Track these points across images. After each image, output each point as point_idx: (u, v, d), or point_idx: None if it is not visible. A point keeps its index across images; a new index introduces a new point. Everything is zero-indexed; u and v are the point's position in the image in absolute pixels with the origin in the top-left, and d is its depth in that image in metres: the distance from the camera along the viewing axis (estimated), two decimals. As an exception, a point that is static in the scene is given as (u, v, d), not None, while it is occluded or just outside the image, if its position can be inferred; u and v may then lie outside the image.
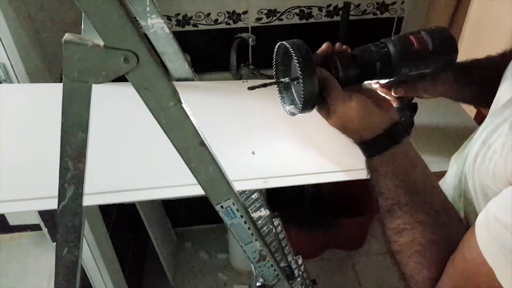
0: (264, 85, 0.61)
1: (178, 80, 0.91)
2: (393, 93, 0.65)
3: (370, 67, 0.59)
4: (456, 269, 0.45)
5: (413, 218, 0.50)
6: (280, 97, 0.65)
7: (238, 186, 0.68)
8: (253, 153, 0.75)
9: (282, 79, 0.62)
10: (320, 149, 0.77)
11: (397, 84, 0.64)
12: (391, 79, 0.62)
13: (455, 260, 0.46)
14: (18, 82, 0.90)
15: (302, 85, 0.54)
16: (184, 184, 0.67)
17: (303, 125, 0.81)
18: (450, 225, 0.51)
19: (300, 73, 0.54)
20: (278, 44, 0.60)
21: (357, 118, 0.55)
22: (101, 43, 0.39)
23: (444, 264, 0.47)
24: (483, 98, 0.63)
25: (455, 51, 0.59)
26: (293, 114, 0.62)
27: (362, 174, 0.72)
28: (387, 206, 0.52)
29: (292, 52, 0.55)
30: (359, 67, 0.59)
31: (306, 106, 0.57)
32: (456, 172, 0.58)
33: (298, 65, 0.53)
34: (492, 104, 0.56)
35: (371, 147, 0.55)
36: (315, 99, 0.56)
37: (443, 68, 0.60)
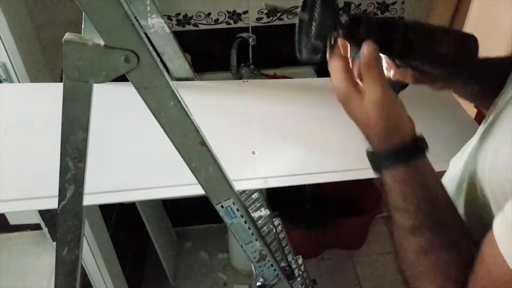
0: (287, 11, 0.58)
1: (178, 80, 0.91)
2: (400, 76, 0.60)
3: (390, 44, 0.54)
4: (480, 281, 0.42)
5: (439, 235, 0.47)
6: (296, 37, 0.57)
7: (238, 186, 0.68)
8: (253, 153, 0.75)
9: (301, 12, 0.56)
10: (320, 149, 0.77)
11: (408, 68, 0.58)
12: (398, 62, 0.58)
13: (478, 272, 0.42)
14: (19, 82, 0.90)
15: (317, 16, 0.50)
16: (184, 184, 0.67)
17: (304, 125, 0.81)
18: (469, 239, 0.48)
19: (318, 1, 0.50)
20: None
21: (391, 118, 0.49)
22: (102, 42, 0.39)
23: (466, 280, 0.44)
24: (489, 99, 0.62)
25: (472, 63, 0.56)
26: (299, 54, 0.55)
27: (362, 174, 0.72)
28: (411, 224, 0.47)
29: None
30: (383, 34, 0.53)
31: (315, 48, 0.52)
32: (457, 172, 0.58)
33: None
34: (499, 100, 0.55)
35: (400, 153, 0.49)
36: (326, 40, 0.51)
37: (457, 74, 0.59)
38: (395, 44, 0.54)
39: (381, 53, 0.53)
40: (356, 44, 0.53)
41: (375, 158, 0.51)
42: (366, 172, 0.74)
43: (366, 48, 0.50)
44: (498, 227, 0.39)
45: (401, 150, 0.49)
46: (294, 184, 0.71)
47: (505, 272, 0.37)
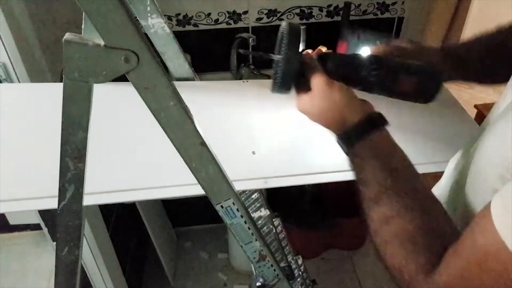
0: (257, 54, 0.66)
1: (178, 80, 0.91)
2: None
3: (355, 76, 0.61)
4: (461, 258, 0.41)
5: (400, 204, 0.48)
6: (272, 75, 0.65)
7: (238, 186, 0.68)
8: (253, 153, 0.75)
9: (271, 55, 0.63)
10: (320, 149, 0.77)
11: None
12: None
13: (459, 248, 0.42)
14: (19, 82, 0.90)
15: (282, 61, 0.57)
16: (184, 184, 0.67)
17: (303, 125, 0.81)
18: (437, 213, 0.49)
19: (283, 49, 0.56)
20: (282, 22, 0.62)
21: (340, 102, 0.55)
22: (102, 42, 0.39)
23: (437, 252, 0.44)
24: (485, 74, 0.63)
25: (432, 99, 0.63)
26: (272, 91, 0.63)
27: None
28: (373, 194, 0.50)
29: (284, 31, 0.58)
30: (348, 69, 0.61)
31: (283, 84, 0.59)
32: (453, 172, 0.58)
33: (283, 42, 0.57)
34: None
35: (353, 133, 0.54)
36: (291, 79, 0.58)
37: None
38: (359, 80, 0.61)
39: (346, 84, 0.60)
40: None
41: (339, 143, 0.56)
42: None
43: (306, 55, 0.60)
44: (495, 203, 0.38)
45: (356, 128, 0.54)
46: (294, 184, 0.71)
47: (493, 244, 0.37)
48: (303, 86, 0.59)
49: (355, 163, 0.54)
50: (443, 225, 0.47)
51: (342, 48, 0.76)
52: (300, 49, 0.59)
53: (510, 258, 0.36)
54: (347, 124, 0.55)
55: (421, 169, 0.73)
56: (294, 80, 0.58)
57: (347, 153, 0.56)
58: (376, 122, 0.54)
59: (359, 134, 0.53)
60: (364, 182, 0.52)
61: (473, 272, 0.40)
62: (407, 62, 0.62)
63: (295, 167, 0.73)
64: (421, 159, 0.76)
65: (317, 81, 0.57)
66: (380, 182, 0.50)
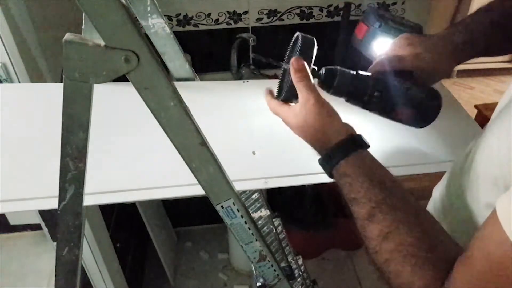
0: (268, 61, 0.68)
1: (179, 80, 0.91)
2: None
3: (358, 95, 0.63)
4: (473, 268, 0.40)
5: (395, 218, 0.47)
6: (279, 83, 0.67)
7: (238, 186, 0.68)
8: (254, 153, 0.75)
9: (283, 64, 0.65)
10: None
11: None
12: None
13: (470, 258, 0.41)
14: (19, 82, 0.90)
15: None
16: (184, 184, 0.67)
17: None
18: (431, 224, 0.48)
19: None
20: (296, 33, 0.64)
21: (326, 121, 0.56)
22: (102, 43, 0.39)
23: (442, 265, 0.43)
24: (492, 47, 0.65)
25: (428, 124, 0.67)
26: (278, 98, 0.65)
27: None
28: (366, 211, 0.49)
29: (298, 42, 0.60)
30: (353, 87, 0.63)
31: (292, 94, 0.60)
32: (455, 172, 0.58)
33: (296, 53, 0.59)
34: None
35: (337, 151, 0.54)
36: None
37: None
38: (362, 97, 0.63)
39: (347, 101, 0.64)
40: (329, 91, 0.63)
41: (322, 163, 0.56)
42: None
43: (296, 64, 0.58)
44: (501, 208, 0.37)
45: (339, 147, 0.54)
46: (294, 184, 0.71)
47: (506, 249, 0.36)
48: (291, 95, 0.60)
49: (342, 183, 0.53)
50: (439, 235, 0.46)
51: (361, 31, 0.75)
52: (312, 62, 0.60)
53: None
54: (331, 143, 0.55)
55: (421, 169, 0.74)
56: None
57: (330, 175, 0.55)
58: (359, 142, 0.54)
59: (344, 152, 0.53)
60: (355, 201, 0.51)
61: (488, 281, 0.38)
62: (409, 93, 0.64)
63: (295, 167, 0.73)
64: (421, 159, 0.76)
65: (309, 96, 0.56)
66: (370, 198, 0.49)
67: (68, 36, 0.40)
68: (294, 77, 0.58)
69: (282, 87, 0.65)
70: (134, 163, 0.72)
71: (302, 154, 0.76)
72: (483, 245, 0.39)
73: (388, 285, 0.47)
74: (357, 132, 0.56)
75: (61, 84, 0.42)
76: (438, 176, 0.67)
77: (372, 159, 0.54)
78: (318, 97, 0.56)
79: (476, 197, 0.49)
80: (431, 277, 0.43)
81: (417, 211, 0.49)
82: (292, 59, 0.58)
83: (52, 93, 0.83)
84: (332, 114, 0.56)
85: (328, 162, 0.55)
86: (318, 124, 0.56)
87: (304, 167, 0.73)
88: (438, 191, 0.64)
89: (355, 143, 0.54)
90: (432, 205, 0.64)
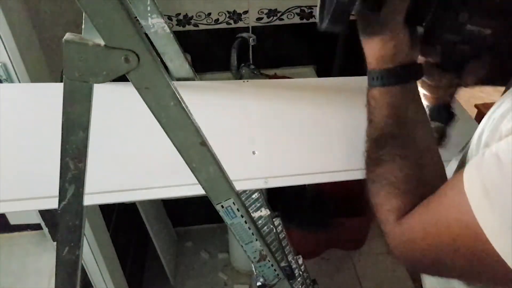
0: None
1: (179, 80, 0.91)
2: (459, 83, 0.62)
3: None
4: (428, 211, 0.44)
5: (395, 151, 0.51)
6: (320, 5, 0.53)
7: (238, 186, 0.68)
8: (254, 153, 0.75)
9: None
10: (320, 149, 0.77)
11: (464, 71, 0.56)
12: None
13: (431, 200, 0.45)
14: (19, 82, 0.90)
15: None
16: (184, 184, 0.67)
17: (304, 125, 0.81)
18: (433, 168, 0.51)
19: None
20: None
21: (400, 37, 0.51)
22: (102, 42, 0.39)
23: (415, 202, 0.47)
24: None
25: None
26: (322, 26, 0.51)
27: (362, 174, 0.72)
28: (375, 135, 0.53)
29: None
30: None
31: (341, 15, 0.47)
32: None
33: None
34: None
35: (386, 75, 0.52)
36: (350, 9, 0.46)
37: None
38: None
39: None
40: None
41: (368, 75, 0.54)
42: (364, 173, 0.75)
43: None
44: (469, 167, 0.40)
45: (390, 72, 0.52)
46: (294, 184, 0.71)
47: (459, 203, 0.39)
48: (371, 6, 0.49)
49: (370, 102, 0.54)
50: (433, 180, 0.49)
51: None
52: None
53: (470, 221, 0.37)
54: (384, 62, 0.52)
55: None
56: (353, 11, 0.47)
57: (369, 89, 0.54)
58: (411, 73, 0.52)
59: (390, 79, 0.51)
60: (371, 122, 0.54)
61: (434, 227, 0.42)
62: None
63: (295, 167, 0.73)
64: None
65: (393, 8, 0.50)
66: (384, 127, 0.52)
67: (68, 36, 0.40)
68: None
69: (325, 7, 0.51)
70: (134, 163, 0.72)
71: (302, 154, 0.76)
72: (445, 200, 0.43)
73: (367, 199, 0.54)
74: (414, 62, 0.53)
75: (61, 84, 0.42)
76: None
77: (412, 95, 0.53)
78: (398, 22, 0.51)
79: None
80: (397, 206, 0.49)
81: (423, 151, 0.51)
82: None
83: (52, 93, 0.83)
84: (408, 38, 0.52)
85: (371, 80, 0.53)
86: (391, 37, 0.51)
87: (304, 167, 0.73)
88: None
89: (407, 74, 0.52)
90: None
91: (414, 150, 0.51)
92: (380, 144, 0.52)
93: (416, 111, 0.53)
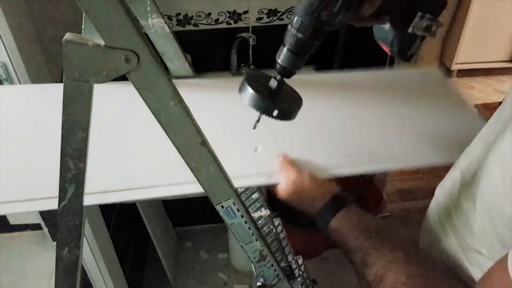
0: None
1: (177, 78, 0.91)
2: None
3: None
4: None
5: (385, 259, 0.52)
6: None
7: (240, 183, 0.69)
8: (256, 149, 0.75)
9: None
10: (321, 147, 0.77)
11: None
12: None
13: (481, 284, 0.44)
14: (19, 82, 0.90)
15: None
16: (184, 183, 0.67)
17: (305, 122, 0.81)
18: (420, 253, 0.54)
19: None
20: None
21: (312, 186, 0.65)
22: (102, 42, 0.39)
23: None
24: None
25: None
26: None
27: (364, 169, 0.72)
28: (360, 259, 0.55)
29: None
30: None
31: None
32: (456, 175, 0.57)
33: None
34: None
35: (328, 210, 0.62)
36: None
37: None
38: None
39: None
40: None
41: (317, 224, 0.64)
42: (365, 167, 0.75)
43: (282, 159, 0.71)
44: None
45: (328, 207, 0.63)
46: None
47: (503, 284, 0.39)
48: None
49: (337, 237, 0.60)
50: (430, 266, 0.50)
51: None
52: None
53: None
54: (320, 204, 0.63)
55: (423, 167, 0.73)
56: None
57: (325, 230, 0.63)
58: (344, 198, 0.63)
59: (333, 209, 0.62)
60: (350, 251, 0.57)
61: None
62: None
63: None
64: (423, 156, 0.76)
65: (289, 174, 0.68)
66: (362, 246, 0.55)
67: (68, 36, 0.40)
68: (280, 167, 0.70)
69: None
70: (134, 162, 0.72)
71: (304, 150, 0.76)
72: (489, 283, 0.42)
73: None
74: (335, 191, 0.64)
75: (61, 85, 0.42)
76: (437, 176, 0.67)
77: (356, 211, 0.61)
78: (299, 172, 0.68)
79: (487, 217, 0.48)
80: None
81: (404, 246, 0.54)
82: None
83: (52, 93, 0.83)
84: (314, 181, 0.66)
85: (320, 222, 0.63)
86: (306, 191, 0.66)
87: (305, 165, 0.73)
88: (441, 192, 0.63)
89: (342, 200, 0.63)
90: (435, 205, 0.63)
91: (397, 248, 0.53)
92: (369, 263, 0.54)
93: (371, 218, 0.60)
